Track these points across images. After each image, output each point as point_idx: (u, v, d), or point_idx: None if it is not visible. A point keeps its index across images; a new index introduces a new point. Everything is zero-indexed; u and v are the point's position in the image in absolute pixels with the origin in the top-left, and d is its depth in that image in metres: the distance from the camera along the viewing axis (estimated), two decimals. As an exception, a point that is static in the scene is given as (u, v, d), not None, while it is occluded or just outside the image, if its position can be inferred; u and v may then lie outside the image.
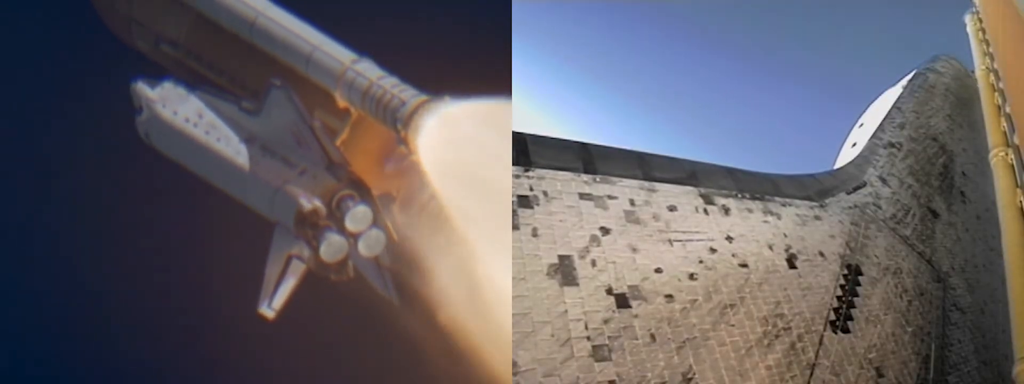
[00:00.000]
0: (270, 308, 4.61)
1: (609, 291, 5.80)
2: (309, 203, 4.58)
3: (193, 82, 4.91)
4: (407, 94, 4.60)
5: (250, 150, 4.71)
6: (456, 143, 4.53)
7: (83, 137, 4.98)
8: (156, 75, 4.89)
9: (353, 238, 4.68)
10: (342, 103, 4.76)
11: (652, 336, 5.76)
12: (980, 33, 19.04)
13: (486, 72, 4.78)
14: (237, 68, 4.89)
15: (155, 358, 4.84)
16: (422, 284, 4.66)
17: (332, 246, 4.63)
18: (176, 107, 4.77)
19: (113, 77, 4.89)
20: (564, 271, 5.62)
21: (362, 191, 4.73)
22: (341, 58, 4.72)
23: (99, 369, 4.84)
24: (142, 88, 4.82)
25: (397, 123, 4.58)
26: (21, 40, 5.01)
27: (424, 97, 4.60)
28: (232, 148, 4.73)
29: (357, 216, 4.65)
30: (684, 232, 7.03)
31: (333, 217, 4.64)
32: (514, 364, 4.72)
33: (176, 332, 4.84)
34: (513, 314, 4.91)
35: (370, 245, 4.71)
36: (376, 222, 4.72)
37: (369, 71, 4.69)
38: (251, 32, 4.75)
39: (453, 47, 5.03)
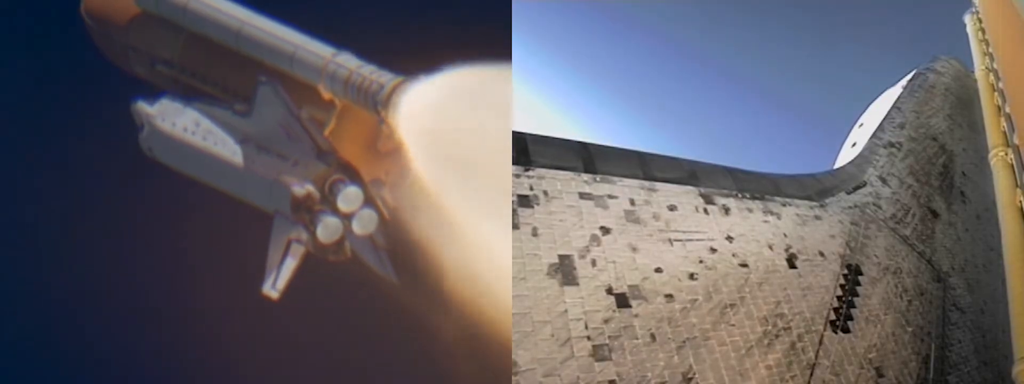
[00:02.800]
0: (274, 289, 4.92)
1: (609, 291, 5.79)
2: (302, 188, 4.90)
3: (188, 95, 5.22)
4: (385, 77, 4.85)
5: (246, 149, 5.01)
6: (437, 117, 4.67)
7: (92, 157, 5.34)
8: (153, 95, 5.21)
9: (347, 219, 4.97)
10: (327, 95, 5.03)
11: (652, 336, 5.75)
12: (980, 33, 19.05)
13: (484, 41, 4.89)
14: (228, 76, 5.19)
15: (170, 337, 5.19)
16: (418, 260, 4.84)
17: (328, 228, 4.93)
18: (174, 119, 5.09)
19: (114, 102, 5.25)
20: (564, 271, 5.62)
21: (352, 174, 5.02)
22: (322, 53, 4.98)
23: (118, 347, 5.19)
24: (141, 106, 5.14)
25: (377, 106, 4.82)
26: (24, 75, 5.40)
27: (400, 78, 4.82)
28: (229, 150, 5.03)
29: (349, 196, 4.95)
30: (684, 232, 7.03)
31: (327, 200, 4.95)
32: (514, 364, 4.72)
33: (188, 314, 5.17)
34: (513, 314, 4.91)
35: (364, 224, 4.99)
36: (367, 201, 5.00)
37: (349, 62, 4.95)
38: (238, 41, 5.06)
39: (452, 30, 5.15)
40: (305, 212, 4.91)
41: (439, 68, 4.67)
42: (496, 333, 4.72)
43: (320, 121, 5.07)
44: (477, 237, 4.66)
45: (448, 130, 4.66)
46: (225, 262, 5.12)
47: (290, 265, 4.93)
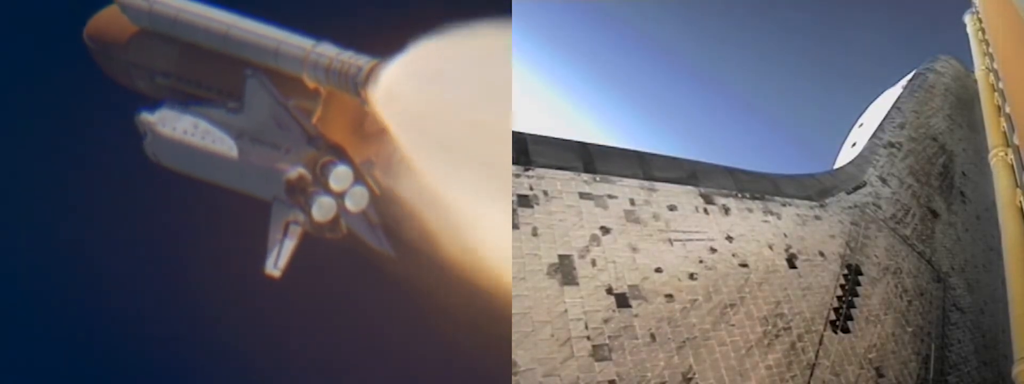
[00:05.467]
0: (275, 268, 5.24)
1: (609, 291, 5.79)
2: (294, 172, 5.23)
3: (185, 101, 5.58)
4: (362, 61, 5.11)
5: (241, 144, 5.32)
6: (415, 93, 4.86)
7: (101, 166, 5.78)
8: (153, 105, 5.59)
9: (340, 197, 5.26)
10: (312, 84, 5.30)
11: (652, 336, 5.75)
12: (980, 33, 19.06)
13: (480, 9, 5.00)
14: (221, 79, 5.53)
15: (183, 316, 5.58)
16: (412, 233, 5.09)
17: (322, 207, 5.23)
18: (174, 124, 5.43)
19: (118, 116, 5.66)
20: (564, 271, 5.62)
21: (341, 155, 5.31)
22: (304, 45, 5.26)
23: (130, 326, 5.58)
24: (144, 116, 5.49)
25: (357, 88, 5.07)
26: (35, 99, 5.84)
27: (376, 60, 5.07)
28: (226, 146, 5.34)
29: (340, 176, 5.24)
30: (684, 232, 7.02)
31: (319, 181, 5.26)
32: (514, 364, 4.72)
33: (195, 296, 5.58)
34: (513, 314, 4.91)
35: (356, 201, 5.28)
36: (358, 179, 5.29)
37: (329, 51, 5.22)
38: (225, 44, 5.37)
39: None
40: (300, 194, 5.25)
41: (421, 44, 4.83)
42: (496, 333, 4.73)
43: (307, 110, 5.35)
44: (459, 184, 4.78)
45: (432, 104, 4.81)
46: (230, 249, 5.47)
47: (289, 245, 5.24)
